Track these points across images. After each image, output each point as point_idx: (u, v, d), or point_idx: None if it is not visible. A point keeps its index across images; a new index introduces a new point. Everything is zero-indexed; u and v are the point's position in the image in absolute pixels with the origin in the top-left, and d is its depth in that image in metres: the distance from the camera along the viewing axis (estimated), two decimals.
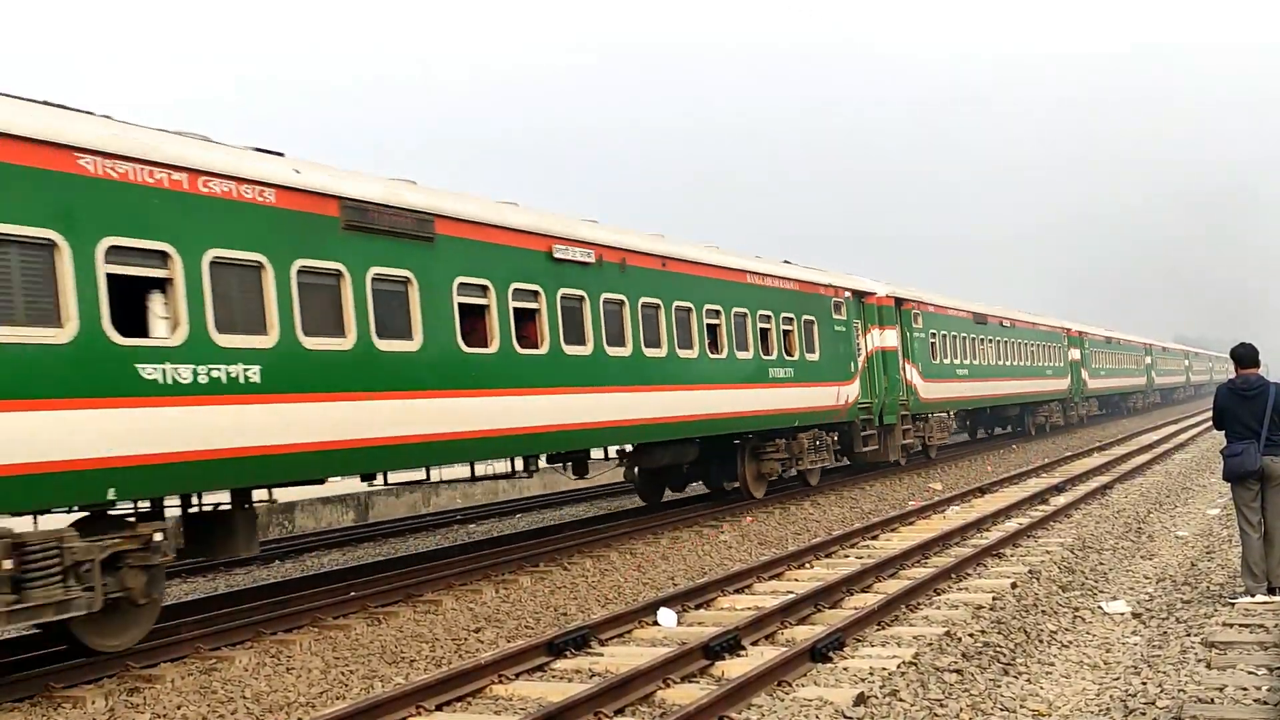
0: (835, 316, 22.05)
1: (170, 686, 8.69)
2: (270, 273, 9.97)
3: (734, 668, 8.05)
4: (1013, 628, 9.04)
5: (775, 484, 20.96)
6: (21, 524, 8.37)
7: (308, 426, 10.19)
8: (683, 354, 16.59)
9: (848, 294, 22.85)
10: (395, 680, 8.56)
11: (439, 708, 7.57)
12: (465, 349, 12.25)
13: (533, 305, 13.50)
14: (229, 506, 10.48)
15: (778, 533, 16.31)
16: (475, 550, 15.47)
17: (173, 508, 10.06)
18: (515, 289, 13.15)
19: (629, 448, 17.60)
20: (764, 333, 19.17)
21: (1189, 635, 8.56)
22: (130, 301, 8.95)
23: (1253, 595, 9.45)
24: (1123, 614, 9.64)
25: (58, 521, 8.77)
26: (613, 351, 14.95)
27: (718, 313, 17.76)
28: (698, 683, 7.89)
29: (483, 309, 12.71)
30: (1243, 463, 9.50)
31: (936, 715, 6.88)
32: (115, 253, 8.67)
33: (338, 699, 8.20)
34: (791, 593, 10.89)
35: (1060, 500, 17.79)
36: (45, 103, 8.70)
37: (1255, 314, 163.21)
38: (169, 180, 9.16)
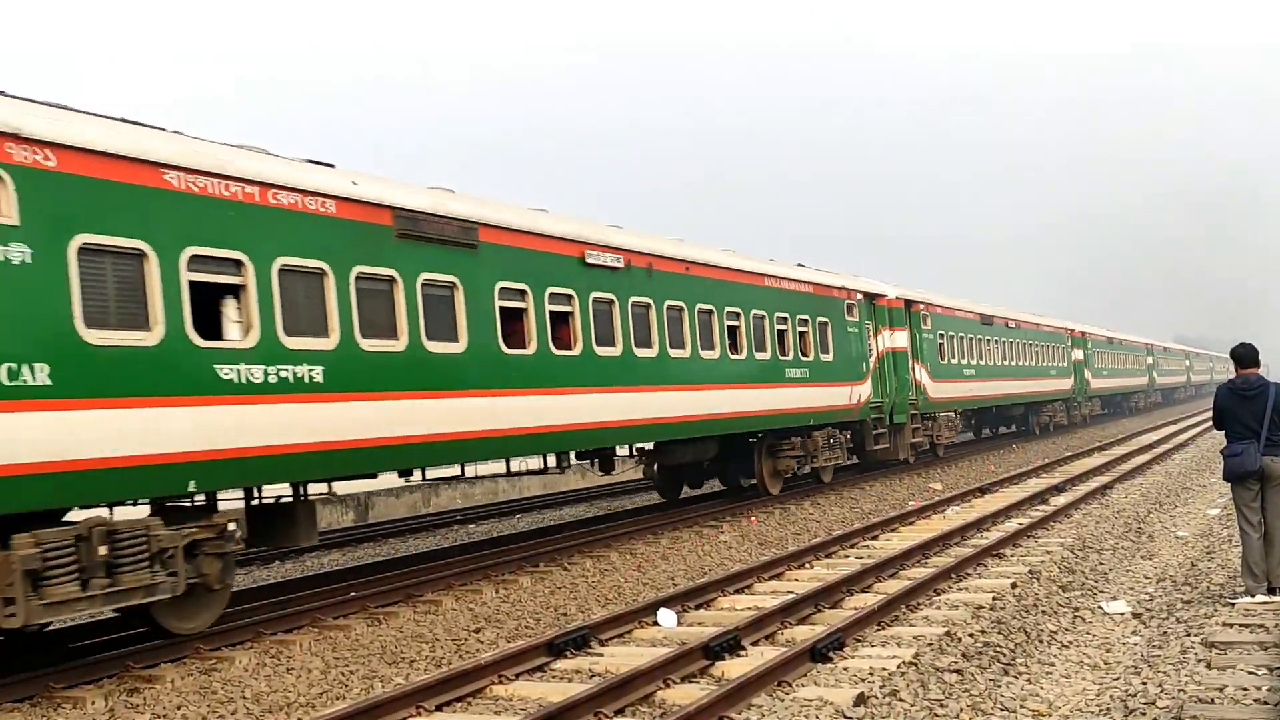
0: (848, 318, 22.70)
1: (170, 687, 8.69)
2: (331, 279, 10.61)
3: (734, 668, 8.04)
4: (1013, 628, 9.03)
5: (789, 481, 21.32)
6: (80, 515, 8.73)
7: (364, 424, 10.80)
8: (705, 355, 17.19)
9: (859, 296, 23.44)
10: (395, 680, 8.56)
11: (439, 708, 7.57)
12: (506, 350, 12.86)
13: (567, 308, 14.13)
14: (289, 499, 11.10)
15: (778, 533, 16.31)
16: (475, 550, 15.48)
17: (234, 500, 10.59)
18: (551, 293, 13.78)
19: (649, 446, 18.08)
20: (781, 334, 19.77)
21: (1189, 635, 8.56)
22: (208, 306, 9.57)
23: (1253, 595, 9.45)
24: (1123, 614, 9.64)
25: (130, 512, 9.27)
26: (640, 352, 15.56)
27: (738, 315, 18.37)
28: (698, 683, 7.89)
29: (521, 312, 13.33)
30: (1243, 463, 9.50)
31: (936, 715, 6.88)
32: (196, 261, 9.35)
33: (338, 699, 8.20)
34: (791, 593, 10.89)
35: (1060, 500, 17.78)
36: (123, 119, 9.37)
37: (1255, 314, 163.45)
38: (242, 193, 9.85)
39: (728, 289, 18.17)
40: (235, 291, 9.74)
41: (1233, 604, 9.36)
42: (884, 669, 7.72)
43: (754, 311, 18.83)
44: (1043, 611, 9.76)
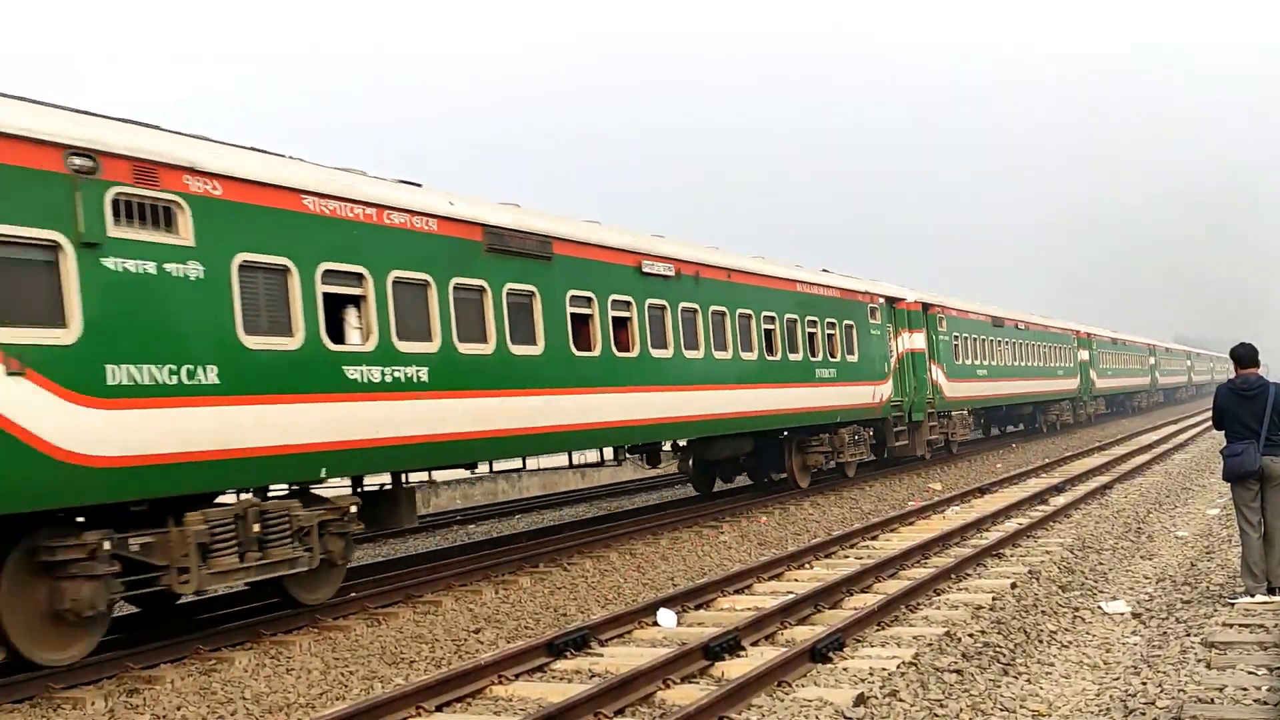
0: (871, 321, 23.98)
1: (170, 687, 8.68)
2: (434, 289, 11.88)
3: (734, 668, 8.04)
4: (1012, 628, 9.03)
5: (817, 475, 22.17)
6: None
7: (461, 419, 12.11)
8: (745, 356, 18.44)
9: (881, 300, 24.74)
10: (395, 681, 8.55)
11: (439, 708, 7.57)
12: (575, 353, 14.15)
13: (626, 314, 15.43)
14: (390, 485, 12.28)
15: (777, 533, 16.32)
16: (475, 550, 15.48)
17: (341, 488, 11.58)
18: (613, 299, 15.09)
19: (683, 441, 19.14)
20: (811, 336, 21.07)
21: (1189, 635, 8.55)
22: (334, 314, 10.80)
23: (1253, 595, 9.44)
24: (1122, 614, 9.64)
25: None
26: (689, 354, 16.82)
27: (773, 318, 19.65)
28: (698, 683, 7.88)
29: (588, 318, 14.63)
30: (1242, 463, 9.49)
31: (936, 715, 6.88)
32: (328, 275, 10.61)
33: (338, 700, 8.20)
34: (791, 593, 10.88)
35: (1060, 500, 17.78)
36: (252, 149, 10.50)
37: (1255, 314, 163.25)
38: (364, 214, 11.14)
39: (764, 294, 19.39)
40: (357, 301, 10.99)
41: (1232, 604, 9.35)
42: (884, 669, 7.71)
43: (788, 315, 20.11)
44: (1042, 611, 9.76)
